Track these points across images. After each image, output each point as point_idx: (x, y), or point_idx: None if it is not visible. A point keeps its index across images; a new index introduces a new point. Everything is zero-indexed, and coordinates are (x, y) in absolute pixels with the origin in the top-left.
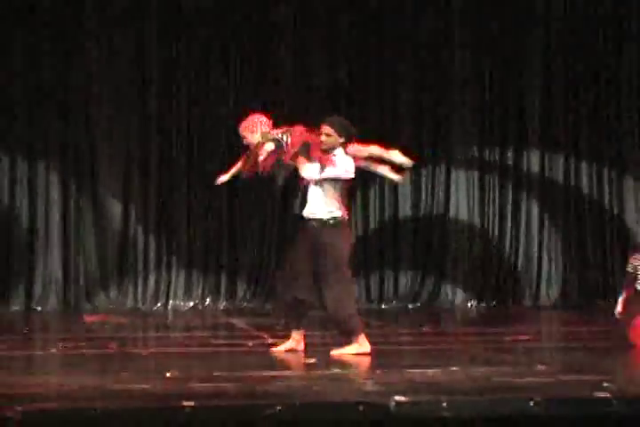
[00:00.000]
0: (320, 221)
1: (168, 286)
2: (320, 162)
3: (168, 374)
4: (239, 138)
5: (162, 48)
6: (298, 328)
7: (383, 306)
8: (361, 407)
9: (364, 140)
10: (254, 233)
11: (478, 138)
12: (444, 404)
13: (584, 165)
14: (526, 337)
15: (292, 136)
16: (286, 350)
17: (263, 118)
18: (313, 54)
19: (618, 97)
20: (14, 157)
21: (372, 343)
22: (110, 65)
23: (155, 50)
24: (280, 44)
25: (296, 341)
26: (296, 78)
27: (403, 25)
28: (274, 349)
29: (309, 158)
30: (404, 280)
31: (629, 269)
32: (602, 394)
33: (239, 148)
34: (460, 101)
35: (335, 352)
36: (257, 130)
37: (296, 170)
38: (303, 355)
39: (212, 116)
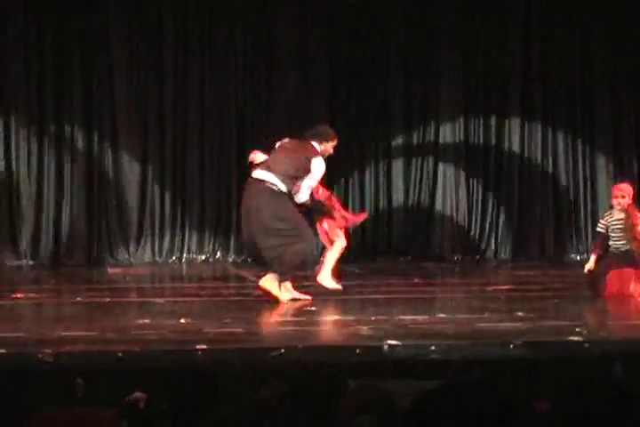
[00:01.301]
0: None
1: (182, 241)
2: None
3: (183, 321)
4: (247, 108)
5: (176, 17)
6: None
7: (377, 259)
8: (357, 350)
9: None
10: None
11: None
12: (433, 347)
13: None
14: (507, 287)
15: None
16: (291, 299)
17: None
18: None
19: (590, 71)
20: (44, 120)
21: (367, 293)
22: (130, 36)
23: (170, 17)
24: (280, 29)
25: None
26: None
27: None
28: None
29: None
30: (396, 235)
31: (601, 229)
32: (575, 338)
33: (249, 117)
34: (447, 70)
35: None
36: None
37: None
38: (305, 303)
39: (223, 86)
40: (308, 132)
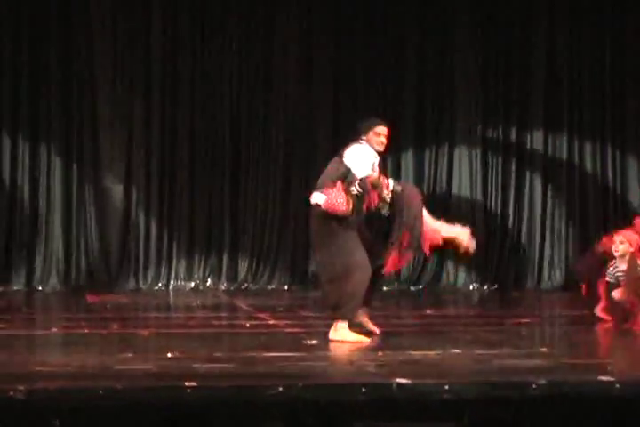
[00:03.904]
0: None
1: (169, 267)
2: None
3: (170, 355)
4: (243, 126)
5: (165, 25)
6: None
7: (385, 288)
8: (363, 389)
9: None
10: (256, 215)
11: (482, 116)
12: (446, 386)
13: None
14: (528, 320)
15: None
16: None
17: None
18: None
19: (621, 77)
20: (16, 138)
21: (374, 325)
22: (114, 47)
23: (158, 29)
24: (284, 24)
25: None
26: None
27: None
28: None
29: None
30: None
31: None
32: (605, 378)
33: (245, 136)
34: (464, 80)
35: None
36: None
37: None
38: (305, 336)
39: (213, 100)
40: None
